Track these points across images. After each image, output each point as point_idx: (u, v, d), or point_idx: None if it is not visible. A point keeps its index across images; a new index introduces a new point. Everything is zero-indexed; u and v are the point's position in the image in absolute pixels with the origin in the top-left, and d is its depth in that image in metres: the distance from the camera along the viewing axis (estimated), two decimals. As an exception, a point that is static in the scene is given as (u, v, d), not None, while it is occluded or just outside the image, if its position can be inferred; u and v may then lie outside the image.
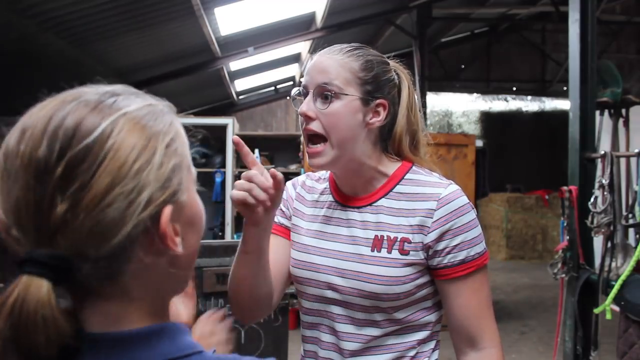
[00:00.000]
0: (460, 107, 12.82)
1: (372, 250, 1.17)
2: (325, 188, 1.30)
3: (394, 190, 1.20)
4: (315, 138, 1.18)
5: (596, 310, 2.77)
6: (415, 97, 1.27)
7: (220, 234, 6.82)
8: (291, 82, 11.13)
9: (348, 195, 1.25)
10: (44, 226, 0.55)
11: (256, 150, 6.87)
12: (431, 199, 1.16)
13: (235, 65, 8.01)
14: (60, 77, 5.46)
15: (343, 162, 1.18)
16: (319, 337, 1.24)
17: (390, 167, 1.23)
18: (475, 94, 12.90)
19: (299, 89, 1.22)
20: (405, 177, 1.21)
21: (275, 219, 1.31)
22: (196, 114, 9.47)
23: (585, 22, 3.02)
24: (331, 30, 7.06)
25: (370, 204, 1.21)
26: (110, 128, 0.57)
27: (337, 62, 1.17)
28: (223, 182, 6.74)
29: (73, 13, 4.29)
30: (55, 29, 4.47)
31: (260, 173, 1.04)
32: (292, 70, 9.99)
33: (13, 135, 0.58)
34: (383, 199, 1.20)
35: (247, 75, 9.16)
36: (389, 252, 1.16)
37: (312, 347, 1.27)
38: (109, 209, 0.55)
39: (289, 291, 2.94)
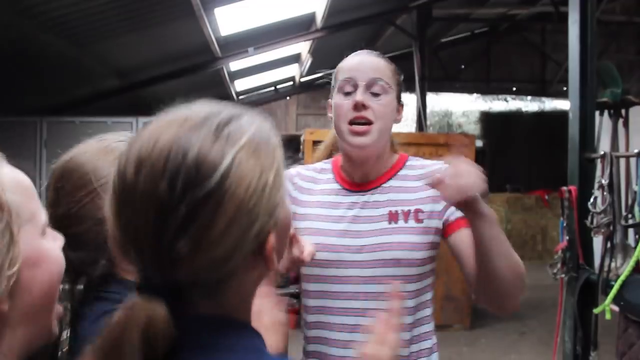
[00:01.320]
0: (460, 108, 12.82)
1: (390, 223, 1.28)
2: (329, 177, 1.39)
3: (399, 173, 1.35)
4: (359, 123, 1.29)
5: (596, 311, 2.77)
6: None
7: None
8: (291, 82, 11.13)
9: (356, 181, 1.35)
10: (163, 257, 0.58)
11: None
12: (437, 172, 1.23)
13: (235, 65, 8.01)
14: (60, 77, 5.48)
15: (378, 147, 1.32)
16: (330, 321, 1.28)
17: (392, 157, 1.40)
18: (475, 94, 12.90)
19: (345, 78, 1.31)
20: (406, 164, 1.38)
21: None
22: (196, 114, 9.47)
23: (585, 22, 3.02)
24: (331, 31, 7.07)
25: (379, 186, 1.33)
26: (230, 165, 0.58)
27: (381, 63, 1.34)
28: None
29: (73, 13, 4.30)
30: (56, 29, 4.48)
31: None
32: (292, 70, 10.00)
33: (129, 165, 0.59)
34: (391, 180, 1.34)
35: (247, 75, 9.17)
36: (406, 221, 1.28)
37: (319, 332, 1.30)
38: (225, 244, 0.58)
39: (289, 291, 2.93)
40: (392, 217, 1.29)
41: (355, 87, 1.30)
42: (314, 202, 1.36)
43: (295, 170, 1.44)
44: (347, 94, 1.30)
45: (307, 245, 1.18)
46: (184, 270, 0.59)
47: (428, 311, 1.33)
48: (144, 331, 0.57)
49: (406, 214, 1.29)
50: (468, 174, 1.10)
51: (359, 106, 1.28)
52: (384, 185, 1.33)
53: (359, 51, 1.38)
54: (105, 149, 1.01)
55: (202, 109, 0.63)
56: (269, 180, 0.61)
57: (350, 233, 1.29)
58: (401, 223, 1.28)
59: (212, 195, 0.57)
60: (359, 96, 1.28)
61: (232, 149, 0.59)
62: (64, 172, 0.98)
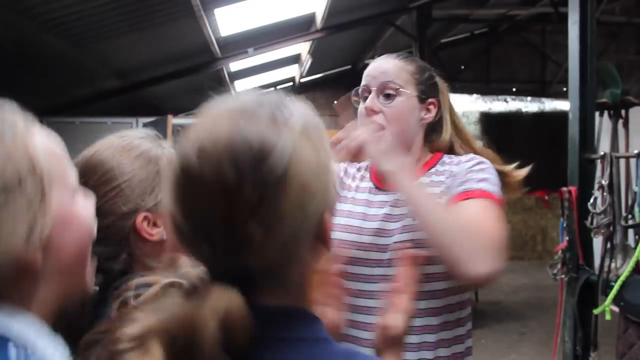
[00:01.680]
0: (460, 108, 12.80)
1: (414, 219, 1.23)
2: (365, 176, 1.41)
3: (431, 170, 1.34)
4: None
5: (596, 311, 2.77)
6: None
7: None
8: (291, 83, 11.13)
9: (388, 180, 1.32)
10: (234, 243, 0.60)
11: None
12: (462, 162, 1.30)
13: (235, 66, 8.01)
14: (60, 77, 5.47)
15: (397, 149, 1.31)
16: (360, 320, 1.26)
17: (426, 156, 1.39)
18: (475, 95, 12.89)
19: (358, 89, 1.36)
20: (439, 162, 1.36)
21: None
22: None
23: (584, 23, 3.02)
24: (331, 31, 7.07)
25: None
26: (291, 148, 0.61)
27: (395, 65, 1.34)
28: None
29: (73, 13, 4.30)
30: (56, 29, 4.48)
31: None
32: (292, 71, 10.00)
33: (192, 157, 0.61)
34: (422, 177, 1.32)
35: (247, 76, 9.17)
36: None
37: (353, 331, 1.27)
38: (293, 225, 0.61)
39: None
40: None
41: (370, 93, 1.33)
42: (350, 199, 1.38)
43: (343, 165, 1.46)
44: (365, 99, 1.34)
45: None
46: (256, 254, 0.60)
47: (463, 312, 1.30)
48: (224, 322, 0.58)
49: None
50: (357, 136, 1.18)
51: (369, 112, 1.31)
52: None
53: (380, 57, 1.40)
54: (127, 145, 1.02)
55: (251, 97, 0.66)
56: (323, 161, 0.65)
57: (383, 231, 1.28)
58: None
59: (277, 178, 0.59)
60: (368, 102, 1.32)
61: (291, 134, 0.62)
62: (87, 168, 0.99)
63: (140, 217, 0.98)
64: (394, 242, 1.25)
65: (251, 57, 7.09)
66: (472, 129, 12.65)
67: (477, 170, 1.26)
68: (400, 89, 1.31)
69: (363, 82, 1.36)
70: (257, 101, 0.64)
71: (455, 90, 13.29)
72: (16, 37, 4.30)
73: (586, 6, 3.03)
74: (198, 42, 6.03)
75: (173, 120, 6.22)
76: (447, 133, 1.39)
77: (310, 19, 6.95)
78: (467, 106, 12.94)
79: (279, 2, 6.03)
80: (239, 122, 0.61)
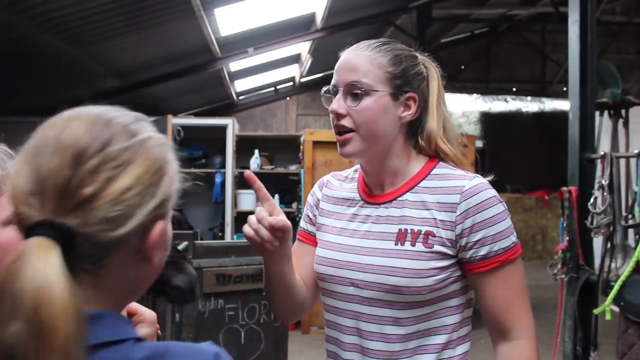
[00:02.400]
0: (460, 108, 12.81)
1: (396, 244, 1.17)
2: (353, 187, 1.31)
3: (419, 185, 1.20)
4: (342, 131, 1.20)
5: (596, 311, 2.77)
6: (442, 89, 1.28)
7: (220, 234, 6.81)
8: (291, 83, 11.13)
9: (374, 191, 1.26)
10: (66, 200, 0.62)
11: (256, 151, 6.87)
12: (454, 192, 1.15)
13: (235, 65, 8.01)
14: (60, 77, 5.46)
15: (372, 154, 1.21)
16: (339, 338, 1.24)
17: (417, 163, 1.24)
18: (475, 95, 12.90)
19: (328, 87, 1.24)
20: (431, 173, 1.21)
21: (301, 224, 1.37)
22: (196, 115, 9.46)
23: (585, 22, 3.02)
24: (331, 31, 7.06)
25: (395, 199, 1.21)
26: (143, 142, 0.68)
27: (366, 59, 1.19)
28: (223, 183, 6.74)
29: (73, 13, 4.29)
30: (55, 29, 4.47)
31: (271, 211, 1.09)
32: (292, 70, 9.99)
33: (49, 127, 0.67)
34: (408, 193, 1.20)
35: (247, 75, 9.16)
36: (413, 244, 1.16)
37: (333, 347, 1.26)
38: (124, 203, 0.64)
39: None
40: (400, 237, 1.17)
41: (336, 93, 1.20)
42: (333, 213, 1.30)
43: (327, 177, 1.38)
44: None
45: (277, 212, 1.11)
46: (82, 216, 0.62)
47: (444, 338, 1.18)
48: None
49: (415, 235, 1.16)
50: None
51: (335, 115, 1.19)
52: (400, 198, 1.20)
53: (348, 48, 1.24)
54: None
55: (100, 110, 0.72)
56: (168, 173, 0.70)
57: (359, 249, 1.20)
58: (407, 245, 1.16)
59: (124, 154, 0.65)
60: (334, 104, 1.19)
61: (145, 133, 0.70)
62: None
63: None
64: (367, 264, 1.18)
65: (251, 57, 7.08)
66: (472, 128, 12.65)
67: (497, 220, 1.14)
68: (369, 89, 1.16)
69: (333, 79, 1.22)
70: (112, 113, 0.71)
71: (455, 90, 13.29)
72: (16, 37, 4.30)
73: (586, 6, 3.03)
74: (198, 42, 6.03)
75: (173, 120, 6.22)
76: (432, 123, 1.22)
77: (310, 18, 6.95)
78: (467, 106, 12.95)
79: (279, 2, 6.03)
80: (98, 120, 0.69)
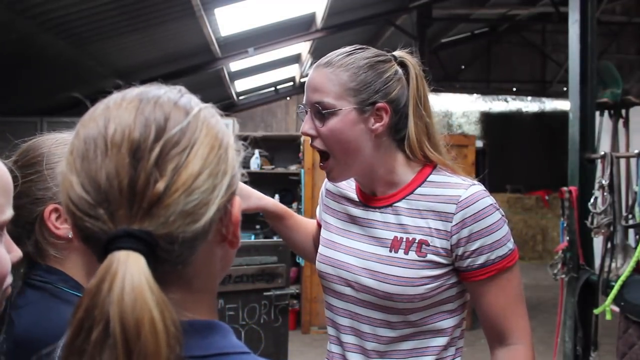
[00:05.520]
0: (460, 108, 12.82)
1: (390, 251, 1.17)
2: (352, 187, 1.31)
3: (415, 192, 1.18)
4: (323, 154, 1.19)
5: (596, 311, 2.77)
6: (425, 85, 1.23)
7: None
8: (291, 83, 11.13)
9: (369, 195, 1.26)
10: (137, 204, 0.55)
11: (256, 151, 6.87)
12: (450, 202, 1.14)
13: (235, 65, 8.01)
14: (60, 77, 5.46)
15: (355, 172, 1.21)
16: (339, 338, 1.26)
17: (410, 169, 1.21)
18: (475, 95, 12.90)
19: (301, 106, 1.22)
20: (427, 180, 1.19)
21: (317, 212, 1.45)
22: (196, 115, 9.46)
23: (585, 22, 3.02)
24: (331, 31, 7.06)
25: (390, 205, 1.20)
26: (198, 116, 0.60)
27: (326, 77, 1.15)
28: (223, 183, 6.74)
29: (73, 13, 4.29)
30: (55, 29, 4.47)
31: None
32: (292, 70, 10.00)
33: (88, 123, 0.58)
34: (403, 200, 1.19)
35: (247, 75, 9.16)
36: (406, 253, 1.15)
37: (336, 348, 1.27)
38: (199, 189, 0.56)
39: (289, 292, 2.93)
40: (394, 244, 1.17)
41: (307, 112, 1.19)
42: (336, 211, 1.32)
43: (323, 190, 1.41)
44: None
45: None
46: (159, 216, 0.55)
47: (440, 341, 1.19)
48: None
49: (409, 244, 1.15)
50: None
51: (307, 137, 1.19)
52: (396, 204, 1.19)
53: (317, 62, 1.20)
54: (66, 139, 1.06)
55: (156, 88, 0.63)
56: (230, 142, 0.62)
57: (355, 252, 1.22)
58: (400, 253, 1.15)
59: (184, 137, 0.57)
60: (304, 126, 1.18)
61: (197, 107, 0.61)
62: (25, 149, 1.07)
63: (50, 207, 1.02)
64: (362, 268, 1.20)
65: (251, 57, 7.09)
66: (472, 128, 12.65)
67: (494, 229, 1.13)
68: (332, 109, 1.13)
69: (304, 98, 1.21)
70: (159, 90, 0.63)
71: (455, 90, 13.30)
72: (16, 37, 4.30)
73: (586, 6, 3.03)
74: (198, 42, 6.03)
75: (173, 120, 6.20)
76: (412, 131, 1.17)
77: (311, 19, 6.95)
78: (467, 106, 12.96)
79: (279, 2, 6.03)
80: (142, 102, 0.59)
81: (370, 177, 1.22)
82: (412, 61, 1.22)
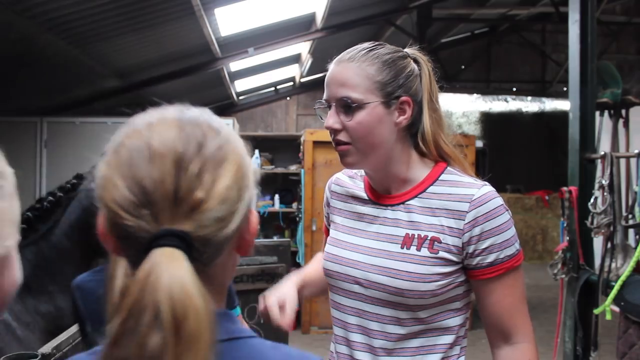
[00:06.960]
0: (460, 108, 12.81)
1: (402, 248, 1.19)
2: (360, 186, 1.32)
3: (427, 191, 1.21)
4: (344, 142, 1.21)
5: (596, 311, 2.77)
6: (435, 83, 1.27)
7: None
8: (291, 83, 11.13)
9: (381, 193, 1.27)
10: (179, 208, 0.63)
11: (256, 151, 6.87)
12: (464, 200, 1.17)
13: (235, 65, 8.01)
14: (60, 77, 5.45)
15: (370, 164, 1.22)
16: (348, 337, 1.26)
17: (423, 168, 1.24)
18: (475, 95, 12.90)
19: (321, 101, 1.23)
20: (439, 179, 1.22)
21: (324, 221, 1.44)
22: (196, 115, 9.45)
23: (585, 22, 3.02)
24: (331, 31, 7.06)
25: (402, 203, 1.22)
26: (228, 136, 0.70)
27: (354, 71, 1.18)
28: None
29: (73, 13, 4.29)
30: (56, 29, 4.47)
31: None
32: (292, 70, 9.99)
33: (132, 136, 0.67)
34: (415, 198, 1.21)
35: (247, 75, 9.16)
36: (418, 249, 1.18)
37: (343, 348, 1.27)
38: (229, 200, 0.66)
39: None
40: (407, 241, 1.19)
41: (329, 107, 1.21)
42: (343, 211, 1.33)
43: (338, 174, 1.40)
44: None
45: (289, 313, 1.24)
46: (198, 220, 0.63)
47: (447, 339, 1.21)
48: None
49: (421, 240, 1.17)
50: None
51: (331, 130, 1.21)
52: (408, 202, 1.21)
53: (336, 58, 1.23)
54: None
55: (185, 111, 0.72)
56: (249, 160, 0.72)
57: (365, 249, 1.23)
58: (413, 250, 1.17)
59: (220, 151, 0.67)
60: (328, 120, 1.19)
61: (226, 129, 0.71)
62: None
63: None
64: (373, 265, 1.21)
65: (251, 57, 7.08)
66: (472, 128, 12.65)
67: (505, 228, 1.16)
68: (360, 103, 1.16)
69: (325, 93, 1.22)
70: (193, 113, 0.71)
71: (455, 89, 13.30)
72: (16, 37, 4.30)
73: (586, 6, 3.03)
74: (198, 42, 6.03)
75: (173, 120, 6.20)
76: (427, 123, 1.22)
77: (311, 19, 6.95)
78: (467, 106, 12.95)
79: (279, 2, 6.03)
80: (179, 125, 0.68)
81: (384, 171, 1.23)
82: (424, 58, 1.27)
